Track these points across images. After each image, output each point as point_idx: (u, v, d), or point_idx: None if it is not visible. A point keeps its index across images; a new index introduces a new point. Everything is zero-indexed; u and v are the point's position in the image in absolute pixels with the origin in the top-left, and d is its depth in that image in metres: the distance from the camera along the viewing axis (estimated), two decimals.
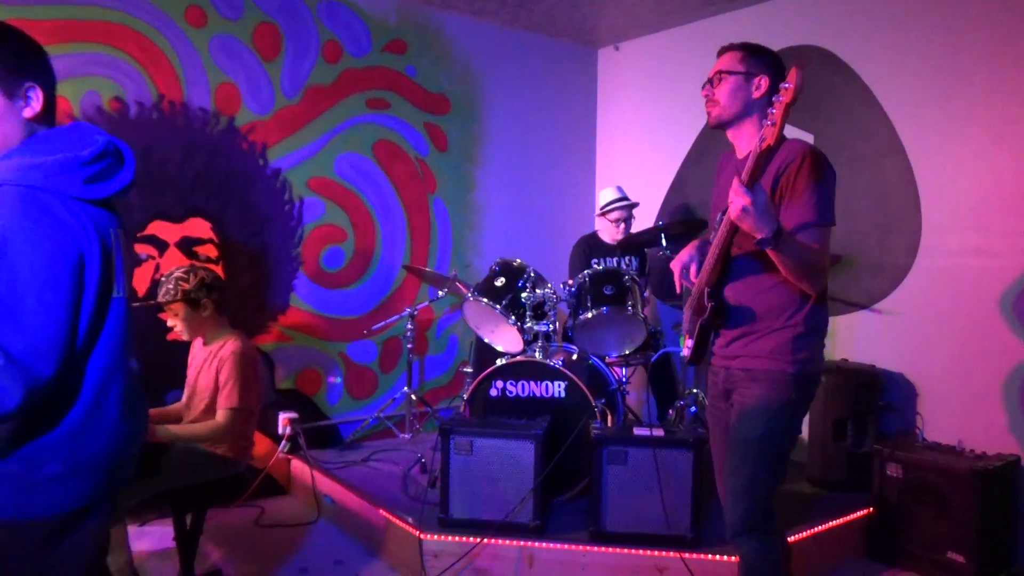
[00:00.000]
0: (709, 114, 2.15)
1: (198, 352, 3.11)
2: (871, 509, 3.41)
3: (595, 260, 4.35)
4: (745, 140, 2.13)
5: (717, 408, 2.29)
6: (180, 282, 2.93)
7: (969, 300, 3.62)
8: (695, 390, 4.00)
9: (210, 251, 3.95)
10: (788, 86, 1.67)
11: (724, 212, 1.97)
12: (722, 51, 2.16)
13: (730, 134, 2.17)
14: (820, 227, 1.97)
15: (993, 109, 3.54)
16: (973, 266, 3.60)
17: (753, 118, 2.11)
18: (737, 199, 1.79)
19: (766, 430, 2.07)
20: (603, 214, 4.41)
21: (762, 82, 2.07)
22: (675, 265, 2.32)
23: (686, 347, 2.31)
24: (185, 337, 3.03)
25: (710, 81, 2.13)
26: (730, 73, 2.08)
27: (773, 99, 1.71)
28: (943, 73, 3.70)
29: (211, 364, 2.97)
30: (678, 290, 2.41)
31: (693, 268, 2.27)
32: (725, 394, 2.22)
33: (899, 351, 3.83)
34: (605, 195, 4.47)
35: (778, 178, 2.00)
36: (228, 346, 2.95)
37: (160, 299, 2.95)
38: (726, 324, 2.15)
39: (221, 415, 2.88)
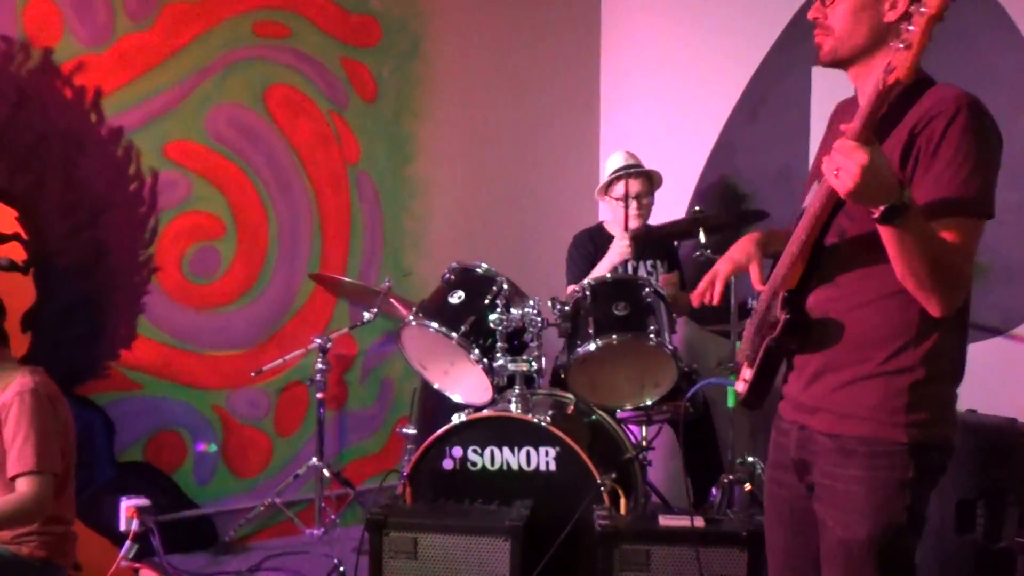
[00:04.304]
0: (819, 47, 2.16)
1: None
2: None
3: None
4: (875, 77, 2.14)
5: (781, 483, 2.30)
6: None
7: None
8: (750, 458, 4.02)
9: (15, 251, 3.90)
10: None
11: (820, 181, 1.98)
12: None
13: (852, 74, 2.18)
14: (968, 215, 1.96)
15: None
16: None
17: (886, 50, 2.11)
18: (844, 159, 1.78)
19: (875, 531, 2.06)
20: (606, 192, 4.45)
21: None
22: (721, 266, 2.32)
23: (742, 379, 2.31)
24: None
25: None
26: None
27: (911, 10, 1.68)
28: None
29: None
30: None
31: (754, 270, 2.28)
32: (798, 466, 2.22)
33: None
34: (609, 164, 4.51)
35: (914, 136, 1.99)
36: (12, 387, 2.97)
37: None
38: (804, 346, 2.17)
39: (22, 484, 2.89)
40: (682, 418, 3.75)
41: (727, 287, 3.80)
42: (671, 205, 4.84)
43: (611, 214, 4.54)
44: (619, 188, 4.38)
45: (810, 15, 2.16)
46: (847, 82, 2.25)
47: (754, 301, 2.40)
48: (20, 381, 2.99)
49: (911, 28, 1.67)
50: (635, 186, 4.37)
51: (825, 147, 2.33)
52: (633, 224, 4.37)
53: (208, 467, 4.42)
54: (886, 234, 1.87)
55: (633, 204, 4.35)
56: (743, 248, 2.34)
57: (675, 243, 4.63)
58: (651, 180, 4.45)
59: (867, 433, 2.06)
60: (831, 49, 2.14)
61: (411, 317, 3.71)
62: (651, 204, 4.46)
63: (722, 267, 2.37)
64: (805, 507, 2.22)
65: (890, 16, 2.06)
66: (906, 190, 1.82)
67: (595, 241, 4.49)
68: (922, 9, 1.65)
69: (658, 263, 4.50)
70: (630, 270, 4.39)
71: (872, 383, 2.07)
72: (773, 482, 2.33)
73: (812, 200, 2.01)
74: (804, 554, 2.26)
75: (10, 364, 3.09)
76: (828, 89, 2.36)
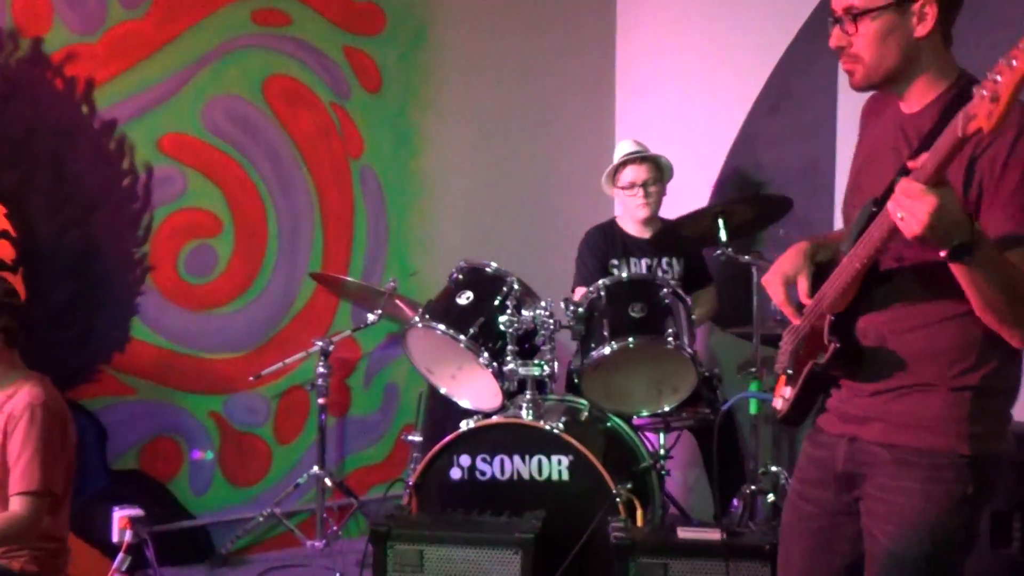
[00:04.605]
0: (850, 74, 2.13)
1: None
2: None
3: (615, 261, 4.34)
4: (918, 90, 2.11)
5: (810, 499, 2.27)
6: None
7: None
8: (773, 467, 3.99)
9: (4, 250, 3.91)
10: None
11: (877, 202, 1.95)
12: None
13: (895, 93, 2.16)
14: None
15: None
16: None
17: (927, 71, 2.09)
18: (912, 202, 1.74)
19: (933, 547, 2.05)
20: (613, 181, 4.44)
21: (927, 9, 2.03)
22: (771, 279, 2.28)
23: (781, 396, 2.29)
24: None
25: (838, 21, 2.10)
26: (867, 10, 2.04)
27: (1002, 62, 1.59)
28: None
29: None
30: (791, 312, 2.33)
31: (803, 283, 2.25)
32: (844, 481, 2.19)
33: None
34: (617, 153, 4.49)
35: (975, 160, 1.95)
36: (22, 396, 2.97)
37: None
38: (855, 374, 2.14)
39: (20, 504, 2.89)
40: (716, 429, 3.73)
41: (755, 288, 3.73)
42: (691, 200, 4.80)
43: (621, 207, 4.51)
44: (626, 176, 4.36)
45: (832, 44, 2.12)
46: None
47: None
48: (31, 391, 2.99)
49: (999, 79, 1.59)
50: (641, 173, 4.35)
51: (864, 147, 2.32)
52: (640, 214, 4.35)
53: (204, 476, 4.41)
54: (957, 271, 1.86)
55: (639, 192, 4.34)
56: (792, 259, 2.29)
57: (695, 246, 4.58)
58: (659, 168, 4.42)
59: (927, 444, 2.04)
60: (863, 77, 2.11)
61: (417, 319, 3.70)
62: (660, 193, 4.43)
63: (775, 278, 2.29)
64: (834, 524, 2.21)
65: (920, 31, 2.04)
66: (976, 225, 1.79)
67: (607, 238, 4.47)
68: (1013, 63, 1.56)
69: (674, 261, 4.47)
70: (644, 269, 4.36)
71: (935, 394, 2.05)
72: (800, 497, 2.30)
73: (872, 230, 1.96)
74: (825, 572, 2.25)
75: (18, 369, 3.09)
76: None
